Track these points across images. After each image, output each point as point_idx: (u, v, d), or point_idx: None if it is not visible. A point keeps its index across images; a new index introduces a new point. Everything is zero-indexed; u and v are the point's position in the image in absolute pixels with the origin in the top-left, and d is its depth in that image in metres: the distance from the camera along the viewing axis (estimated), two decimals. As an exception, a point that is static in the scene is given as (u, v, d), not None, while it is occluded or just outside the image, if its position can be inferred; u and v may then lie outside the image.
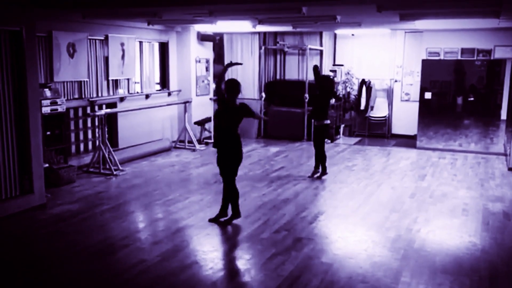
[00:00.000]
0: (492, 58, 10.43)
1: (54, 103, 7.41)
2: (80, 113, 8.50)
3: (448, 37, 10.69)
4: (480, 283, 4.27)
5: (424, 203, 6.61)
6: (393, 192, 7.15)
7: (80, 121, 8.55)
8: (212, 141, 10.91)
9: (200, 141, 10.75)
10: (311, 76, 11.60)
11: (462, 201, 6.71)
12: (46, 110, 7.24)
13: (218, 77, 5.83)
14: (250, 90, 12.09)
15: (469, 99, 10.50)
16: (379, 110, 11.91)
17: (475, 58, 10.53)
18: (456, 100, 10.71)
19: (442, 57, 10.82)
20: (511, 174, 8.32)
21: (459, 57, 10.68)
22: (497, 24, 8.66)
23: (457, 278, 4.34)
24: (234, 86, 5.57)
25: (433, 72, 10.55)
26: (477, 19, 8.14)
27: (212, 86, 11.54)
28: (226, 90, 5.55)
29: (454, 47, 10.71)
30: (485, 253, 4.93)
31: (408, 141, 11.26)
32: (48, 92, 7.42)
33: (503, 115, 10.25)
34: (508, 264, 4.69)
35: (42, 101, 7.07)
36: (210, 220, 5.76)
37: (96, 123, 8.57)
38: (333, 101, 10.25)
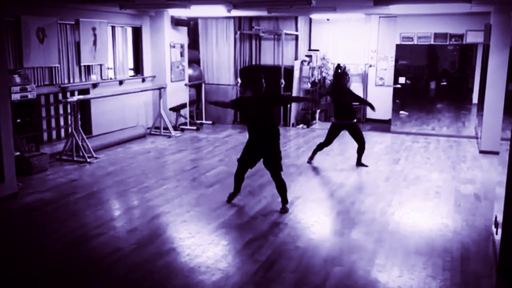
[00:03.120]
0: (464, 42, 10.58)
1: (24, 89, 7.22)
2: (51, 100, 8.33)
3: (421, 22, 10.79)
4: (452, 263, 4.37)
5: (398, 186, 6.71)
6: (368, 176, 7.24)
7: (52, 108, 8.38)
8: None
9: (175, 128, 10.66)
10: (286, 62, 11.64)
11: (435, 184, 6.84)
12: (15, 97, 7.05)
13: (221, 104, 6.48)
14: (226, 76, 12.01)
15: (441, 83, 10.66)
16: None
17: (447, 42, 10.67)
18: (429, 84, 10.86)
19: (415, 42, 10.93)
20: (482, 156, 8.50)
21: (432, 42, 10.80)
22: (469, 9, 8.77)
23: (430, 259, 4.43)
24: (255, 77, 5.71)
25: (406, 56, 10.65)
26: (449, 3, 8.24)
27: (188, 71, 11.43)
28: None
29: (427, 32, 10.82)
30: (457, 234, 5.05)
31: (382, 125, 11.38)
32: (17, 79, 7.22)
33: (475, 99, 10.45)
34: (479, 244, 4.81)
35: (12, 88, 6.89)
36: (282, 211, 5.69)
37: (69, 110, 8.40)
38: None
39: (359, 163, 7.78)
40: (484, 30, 9.74)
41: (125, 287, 3.97)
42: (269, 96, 5.74)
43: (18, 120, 7.31)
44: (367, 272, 4.20)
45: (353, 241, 4.85)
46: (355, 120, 7.72)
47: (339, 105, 7.70)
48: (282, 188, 5.69)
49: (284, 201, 5.72)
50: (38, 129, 7.85)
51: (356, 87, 11.98)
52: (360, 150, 7.73)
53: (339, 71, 7.73)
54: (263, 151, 5.63)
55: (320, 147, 7.82)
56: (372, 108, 7.88)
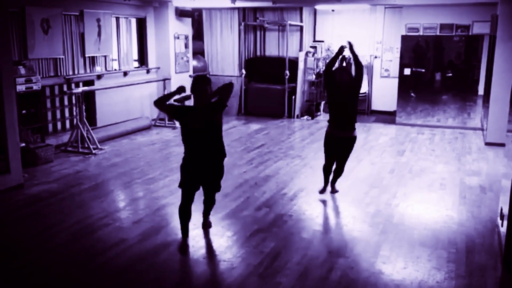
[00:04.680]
0: (470, 33, 10.49)
1: (29, 81, 7.23)
2: (56, 91, 8.33)
3: (427, 12, 10.70)
4: (457, 255, 4.37)
5: (403, 178, 6.70)
6: (372, 168, 7.22)
7: (57, 99, 8.39)
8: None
9: (180, 119, 10.64)
10: (291, 53, 11.59)
11: (440, 175, 6.82)
12: (20, 88, 7.06)
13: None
14: (230, 67, 11.98)
15: (447, 74, 10.59)
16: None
17: (453, 33, 10.58)
18: (434, 76, 10.79)
19: (421, 33, 10.84)
20: (487, 148, 8.46)
21: (438, 33, 10.72)
22: None
23: (435, 251, 4.43)
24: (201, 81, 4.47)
25: (412, 48, 10.58)
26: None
27: (192, 62, 11.40)
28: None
29: (433, 23, 10.73)
30: (461, 226, 5.04)
31: (387, 117, 11.34)
32: (22, 70, 7.23)
33: (481, 91, 10.38)
34: (484, 236, 4.80)
35: (17, 79, 6.89)
36: None
37: (74, 101, 8.40)
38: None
39: (334, 188, 5.98)
40: (490, 21, 9.65)
41: (130, 277, 3.99)
42: (214, 104, 4.48)
43: (24, 112, 7.33)
44: (372, 264, 4.20)
45: (358, 233, 4.85)
46: (355, 134, 5.61)
47: (340, 107, 5.55)
48: (210, 206, 4.88)
49: (208, 215, 4.96)
50: (43, 120, 7.86)
51: (361, 79, 11.92)
52: (339, 173, 5.88)
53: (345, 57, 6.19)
54: (208, 171, 4.55)
55: (326, 170, 5.81)
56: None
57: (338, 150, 5.62)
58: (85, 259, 4.29)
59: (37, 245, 4.59)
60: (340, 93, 5.50)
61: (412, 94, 10.51)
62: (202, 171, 4.50)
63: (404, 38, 10.58)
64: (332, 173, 5.84)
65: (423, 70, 10.60)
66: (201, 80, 4.41)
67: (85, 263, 4.23)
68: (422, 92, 10.73)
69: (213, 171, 4.57)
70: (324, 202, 5.79)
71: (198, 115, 4.37)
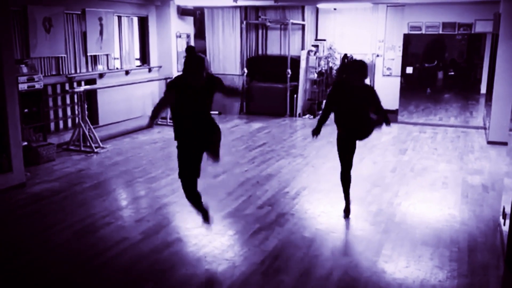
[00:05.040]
0: (472, 32, 10.47)
1: (31, 79, 7.24)
2: (58, 90, 8.34)
3: (429, 11, 10.67)
4: (459, 254, 4.36)
5: (405, 177, 6.68)
6: (374, 167, 7.21)
7: (59, 98, 8.40)
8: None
9: (182, 118, 10.65)
10: (293, 52, 11.58)
11: (442, 174, 6.81)
12: (22, 87, 7.07)
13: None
14: (232, 66, 11.97)
15: (449, 73, 10.57)
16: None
17: (456, 32, 10.56)
18: (437, 74, 10.78)
19: (423, 32, 10.83)
20: (490, 147, 8.45)
21: (440, 32, 10.70)
22: (478, -2, 8.68)
23: (437, 250, 4.42)
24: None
25: (414, 46, 10.57)
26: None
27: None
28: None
29: (436, 21, 10.71)
30: (464, 225, 5.03)
31: (389, 116, 11.26)
32: (24, 69, 7.24)
33: (483, 89, 10.37)
34: (486, 235, 4.79)
35: (19, 78, 6.90)
36: None
37: (75, 100, 8.41)
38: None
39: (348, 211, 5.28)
40: (493, 19, 9.62)
41: (132, 276, 3.99)
42: (212, 85, 4.39)
43: (26, 110, 7.34)
44: (374, 262, 4.20)
45: (360, 232, 4.85)
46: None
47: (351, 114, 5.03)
48: (197, 200, 4.53)
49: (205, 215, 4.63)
50: (45, 119, 7.87)
51: (363, 77, 11.91)
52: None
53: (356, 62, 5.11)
54: (204, 145, 4.39)
55: (345, 179, 5.28)
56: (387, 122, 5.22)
57: (353, 147, 5.12)
58: (87, 258, 4.29)
59: (38, 244, 4.59)
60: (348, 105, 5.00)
61: (428, 90, 10.48)
62: (197, 146, 4.35)
63: (406, 37, 10.56)
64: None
65: (434, 63, 10.53)
66: (196, 62, 4.23)
67: (87, 261, 4.23)
68: (425, 91, 10.72)
69: (208, 143, 4.39)
70: (326, 200, 5.78)
71: (194, 94, 4.21)
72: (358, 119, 4.97)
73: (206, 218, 4.62)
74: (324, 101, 5.12)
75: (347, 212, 5.26)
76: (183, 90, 4.21)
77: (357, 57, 11.63)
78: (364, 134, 5.09)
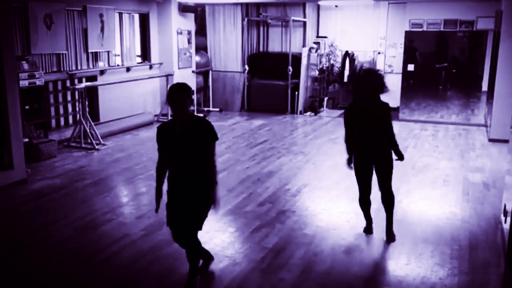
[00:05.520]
0: (474, 29, 10.44)
1: (32, 76, 7.23)
2: (59, 87, 8.34)
3: (431, 8, 10.65)
4: (460, 251, 4.36)
5: (406, 174, 6.68)
6: (375, 164, 7.20)
7: (60, 95, 8.40)
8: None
9: (182, 115, 10.64)
10: (294, 49, 11.56)
11: (443, 172, 6.80)
12: (24, 83, 7.06)
13: None
14: (233, 63, 11.95)
15: (451, 71, 10.55)
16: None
17: (457, 29, 10.53)
18: (438, 72, 10.74)
19: (425, 29, 10.80)
20: (491, 145, 8.44)
21: (442, 29, 10.67)
22: (480, -5, 8.65)
23: (438, 247, 4.42)
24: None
25: (416, 43, 10.54)
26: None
27: (195, 58, 11.38)
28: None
29: (437, 19, 10.68)
30: (465, 222, 5.02)
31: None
32: (25, 65, 7.23)
33: (484, 87, 10.34)
34: (487, 233, 4.79)
35: (20, 74, 6.90)
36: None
37: (76, 97, 8.41)
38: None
39: (390, 233, 4.65)
40: (495, 17, 9.60)
41: (133, 273, 4.00)
42: (201, 124, 3.57)
43: (27, 107, 7.34)
44: (374, 259, 4.20)
45: (361, 229, 4.84)
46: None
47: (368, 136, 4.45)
48: (194, 255, 3.76)
49: (194, 271, 3.75)
50: (46, 115, 7.87)
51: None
52: (389, 203, 4.66)
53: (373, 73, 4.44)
54: (190, 203, 3.62)
55: (364, 205, 4.79)
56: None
57: (371, 170, 4.55)
58: (88, 254, 4.30)
59: (39, 240, 4.60)
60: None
61: (440, 87, 10.46)
62: (178, 204, 3.64)
63: (408, 34, 10.54)
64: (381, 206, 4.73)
65: (446, 64, 10.50)
66: (178, 87, 3.51)
67: (88, 258, 4.24)
68: (426, 88, 10.69)
69: (196, 204, 3.61)
70: (327, 198, 5.78)
71: (177, 130, 3.54)
72: (375, 142, 4.42)
73: (204, 266, 4.00)
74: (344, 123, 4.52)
75: (368, 230, 4.77)
76: (168, 136, 3.59)
77: (358, 54, 11.65)
78: (383, 159, 4.47)
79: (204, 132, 3.55)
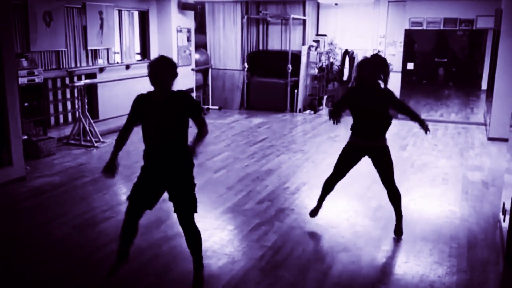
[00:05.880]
0: (474, 28, 10.44)
1: (31, 73, 7.22)
2: (58, 84, 8.33)
3: (431, 6, 10.65)
4: (459, 250, 4.36)
5: (405, 173, 6.68)
6: (375, 162, 7.20)
7: (59, 92, 8.39)
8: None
9: (182, 112, 10.64)
10: (294, 47, 11.56)
11: (442, 170, 6.80)
12: (23, 80, 7.06)
13: None
14: (233, 61, 11.94)
15: (451, 69, 10.56)
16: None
17: (457, 28, 10.53)
18: (437, 70, 10.75)
19: (425, 27, 10.80)
20: (490, 143, 8.44)
21: (441, 27, 10.67)
22: (480, -6, 8.64)
23: (436, 246, 4.42)
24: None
25: (415, 42, 10.55)
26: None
27: (195, 56, 11.36)
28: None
29: (437, 17, 10.68)
30: (464, 221, 5.03)
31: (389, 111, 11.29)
32: (24, 62, 7.22)
33: (484, 85, 10.35)
34: (486, 231, 4.79)
35: (19, 72, 6.89)
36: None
37: (76, 94, 8.40)
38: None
39: (399, 227, 4.65)
40: (494, 15, 9.59)
41: (132, 271, 3.99)
42: (182, 97, 3.53)
43: (26, 104, 7.33)
44: (373, 257, 4.20)
45: (360, 227, 4.85)
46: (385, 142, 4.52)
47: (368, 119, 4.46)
48: (195, 242, 3.64)
49: (198, 264, 3.69)
50: (45, 113, 7.86)
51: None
52: (395, 199, 4.66)
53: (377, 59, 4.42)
54: (166, 182, 3.57)
55: (328, 184, 4.83)
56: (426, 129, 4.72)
57: (357, 161, 4.62)
58: (88, 252, 4.30)
59: (38, 238, 4.59)
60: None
61: (450, 84, 10.47)
62: (158, 180, 3.55)
63: (407, 32, 10.54)
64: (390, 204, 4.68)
65: (445, 60, 10.52)
66: (161, 60, 3.46)
67: (87, 255, 4.24)
68: (425, 86, 10.70)
69: (175, 181, 3.51)
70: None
71: (155, 101, 3.49)
72: (373, 129, 4.42)
73: (118, 262, 3.73)
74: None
75: (314, 214, 4.90)
76: (146, 106, 3.54)
77: (358, 52, 11.65)
78: (379, 151, 4.47)
79: (185, 105, 3.44)
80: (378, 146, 4.44)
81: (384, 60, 4.38)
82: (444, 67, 10.57)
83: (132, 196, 3.62)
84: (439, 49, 10.61)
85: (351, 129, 4.53)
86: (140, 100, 3.55)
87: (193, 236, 3.62)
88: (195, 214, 3.60)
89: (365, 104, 4.33)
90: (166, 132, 3.45)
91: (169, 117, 3.43)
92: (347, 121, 4.68)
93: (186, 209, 3.55)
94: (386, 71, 4.36)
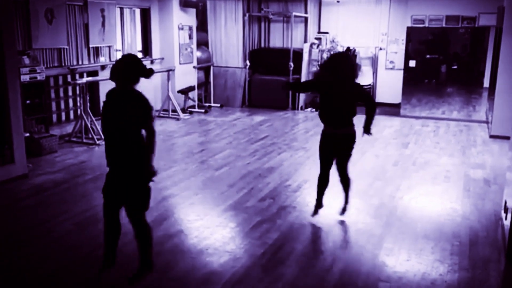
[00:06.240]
0: (476, 25, 10.41)
1: (33, 71, 7.23)
2: (60, 82, 8.33)
3: (433, 4, 10.63)
4: (461, 248, 4.36)
5: (407, 170, 6.68)
6: (376, 160, 7.20)
7: (61, 90, 8.39)
8: (195, 109, 10.83)
9: (184, 110, 10.66)
10: (295, 44, 11.54)
11: (444, 168, 6.80)
12: (25, 78, 7.06)
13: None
14: (234, 59, 11.94)
15: (452, 67, 10.54)
16: (363, 78, 11.90)
17: (459, 25, 10.51)
18: (440, 68, 10.74)
19: (426, 25, 10.77)
20: (492, 141, 8.43)
21: (443, 25, 10.65)
22: (482, -9, 8.62)
23: (438, 243, 4.42)
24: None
25: (417, 39, 10.53)
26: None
27: (196, 54, 11.36)
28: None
29: (439, 14, 10.66)
30: (465, 218, 5.03)
31: (392, 109, 11.29)
32: (26, 60, 7.23)
33: (486, 83, 10.33)
34: (488, 229, 4.79)
35: (21, 69, 6.89)
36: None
37: (77, 92, 8.41)
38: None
39: (345, 207, 5.08)
40: (497, 13, 9.57)
41: (134, 267, 4.00)
42: (134, 98, 3.46)
43: (28, 102, 7.34)
44: (375, 255, 4.20)
45: (361, 225, 4.85)
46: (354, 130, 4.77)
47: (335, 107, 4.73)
48: (142, 237, 3.69)
49: (145, 263, 3.73)
50: (47, 110, 7.87)
51: (366, 71, 11.89)
52: (346, 183, 5.03)
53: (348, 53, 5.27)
54: (118, 181, 3.58)
55: (322, 181, 5.02)
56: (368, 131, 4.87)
57: (336, 151, 4.83)
58: (90, 249, 4.31)
59: (40, 235, 4.60)
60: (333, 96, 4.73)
61: (450, 89, 10.50)
62: (112, 186, 3.58)
63: (409, 30, 10.52)
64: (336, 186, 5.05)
65: (437, 56, 10.52)
66: (124, 57, 3.50)
67: (89, 252, 4.25)
68: (427, 84, 10.69)
69: (124, 182, 3.54)
70: (327, 194, 5.77)
71: (114, 106, 3.49)
72: (340, 117, 4.69)
73: (105, 266, 3.78)
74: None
75: (315, 212, 5.03)
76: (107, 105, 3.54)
77: (360, 50, 11.63)
78: (345, 140, 4.75)
79: (132, 107, 3.41)
80: (349, 133, 4.72)
81: (352, 57, 4.70)
82: (447, 64, 10.57)
83: (104, 191, 3.69)
84: (441, 48, 10.60)
85: (321, 120, 4.79)
86: (107, 96, 3.62)
87: (140, 230, 3.68)
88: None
89: (337, 95, 4.63)
90: (119, 135, 3.47)
91: (114, 116, 3.46)
92: (357, 118, 4.70)
93: (134, 207, 3.61)
94: (355, 66, 4.80)
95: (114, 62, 3.44)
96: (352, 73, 4.69)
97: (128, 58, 3.49)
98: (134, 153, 3.44)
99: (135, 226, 3.65)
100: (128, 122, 3.41)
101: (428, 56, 10.50)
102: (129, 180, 3.52)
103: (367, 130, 4.80)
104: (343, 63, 4.59)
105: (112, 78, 3.47)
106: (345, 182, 4.98)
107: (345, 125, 4.69)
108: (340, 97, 4.62)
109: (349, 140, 4.74)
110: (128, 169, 3.50)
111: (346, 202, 5.04)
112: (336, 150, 4.80)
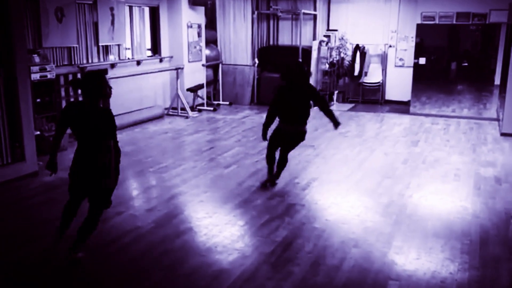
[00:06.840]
0: (487, 22, 10.31)
1: (43, 69, 7.28)
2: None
3: (443, 1, 10.54)
4: (471, 246, 4.33)
5: (417, 168, 6.64)
6: (386, 158, 7.17)
7: (71, 88, 8.43)
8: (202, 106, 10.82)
9: (193, 108, 10.68)
10: (304, 42, 11.51)
11: (454, 166, 6.75)
12: (35, 76, 7.11)
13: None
14: (243, 56, 11.93)
15: (463, 64, 10.45)
16: (373, 76, 11.85)
17: (470, 22, 10.41)
18: (450, 65, 10.65)
19: (437, 22, 10.69)
20: (503, 139, 8.35)
21: (454, 22, 10.56)
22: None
23: (448, 242, 4.39)
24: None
25: (427, 37, 10.45)
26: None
27: (205, 52, 11.37)
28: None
29: (450, 11, 10.57)
30: (476, 217, 4.99)
31: (401, 107, 11.23)
32: (36, 58, 7.27)
33: (497, 80, 10.23)
34: (499, 228, 4.75)
35: (31, 68, 6.94)
36: None
37: (87, 90, 8.43)
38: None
39: (274, 180, 5.94)
40: (508, 10, 9.47)
41: (143, 265, 4.02)
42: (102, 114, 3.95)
43: (38, 100, 7.38)
44: (384, 254, 4.18)
45: (370, 223, 4.83)
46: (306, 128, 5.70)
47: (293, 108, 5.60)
48: (87, 227, 4.01)
49: (76, 245, 4.00)
50: (57, 109, 7.91)
51: (375, 68, 11.83)
52: (283, 164, 5.90)
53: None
54: (87, 180, 4.05)
55: (270, 160, 5.90)
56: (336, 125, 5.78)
57: (284, 143, 5.77)
58: (99, 246, 4.33)
59: (51, 232, 4.63)
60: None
61: (460, 87, 10.41)
62: (79, 180, 4.03)
63: (419, 27, 10.44)
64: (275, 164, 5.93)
65: (433, 58, 10.47)
66: (92, 75, 3.96)
67: (99, 249, 4.27)
68: (437, 82, 10.61)
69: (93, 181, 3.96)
70: (336, 192, 5.76)
71: (88, 118, 3.96)
72: (298, 118, 5.60)
73: (57, 238, 4.08)
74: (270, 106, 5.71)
75: (271, 182, 5.90)
76: (75, 116, 4.06)
77: (369, 48, 11.57)
78: (297, 135, 5.67)
79: (106, 124, 3.92)
80: (302, 131, 5.64)
81: (303, 66, 5.86)
82: (457, 61, 10.47)
83: (70, 188, 4.12)
84: (452, 46, 10.50)
85: (279, 117, 5.64)
86: (71, 111, 4.09)
87: (91, 219, 3.99)
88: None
89: (293, 98, 5.51)
90: (91, 144, 4.09)
91: (92, 133, 4.03)
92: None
93: (97, 204, 4.00)
94: (307, 72, 6.06)
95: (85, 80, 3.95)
96: (305, 77, 5.69)
97: (92, 77, 3.94)
98: (102, 156, 3.96)
99: (90, 214, 4.00)
100: (101, 134, 4.00)
101: (432, 57, 10.46)
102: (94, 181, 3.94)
103: (335, 123, 5.68)
104: (296, 70, 5.56)
105: (85, 97, 3.97)
106: (283, 163, 5.88)
107: (301, 123, 5.60)
108: (297, 98, 5.51)
109: (300, 137, 5.67)
110: (96, 167, 4.00)
111: (277, 177, 5.93)
112: (286, 142, 5.71)
